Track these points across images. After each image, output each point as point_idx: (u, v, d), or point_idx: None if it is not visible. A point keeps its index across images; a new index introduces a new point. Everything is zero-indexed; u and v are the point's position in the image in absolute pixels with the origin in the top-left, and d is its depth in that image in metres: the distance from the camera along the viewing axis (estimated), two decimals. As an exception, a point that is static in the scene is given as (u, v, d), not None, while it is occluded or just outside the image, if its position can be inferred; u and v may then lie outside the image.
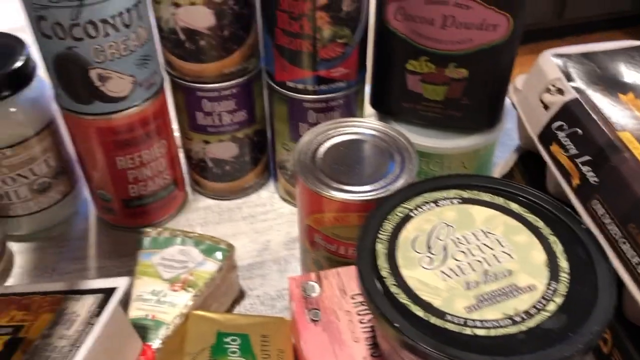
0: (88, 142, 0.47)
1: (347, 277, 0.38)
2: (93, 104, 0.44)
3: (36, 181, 0.49)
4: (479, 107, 0.48)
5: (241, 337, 0.38)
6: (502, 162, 0.53)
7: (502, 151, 0.57)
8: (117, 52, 0.42)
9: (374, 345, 0.34)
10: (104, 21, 0.40)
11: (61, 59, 0.41)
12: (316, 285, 0.38)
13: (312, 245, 0.43)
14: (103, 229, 0.55)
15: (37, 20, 0.40)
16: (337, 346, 0.34)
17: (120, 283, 0.37)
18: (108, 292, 0.37)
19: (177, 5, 0.43)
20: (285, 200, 0.57)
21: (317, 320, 0.36)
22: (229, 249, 0.46)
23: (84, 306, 0.37)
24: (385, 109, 0.52)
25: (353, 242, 0.41)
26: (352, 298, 0.37)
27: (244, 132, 0.52)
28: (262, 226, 0.55)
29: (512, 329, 0.27)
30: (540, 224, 0.33)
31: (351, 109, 0.49)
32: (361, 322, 0.36)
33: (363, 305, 0.37)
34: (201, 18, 0.44)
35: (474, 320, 0.28)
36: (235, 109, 0.50)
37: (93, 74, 0.42)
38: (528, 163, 0.49)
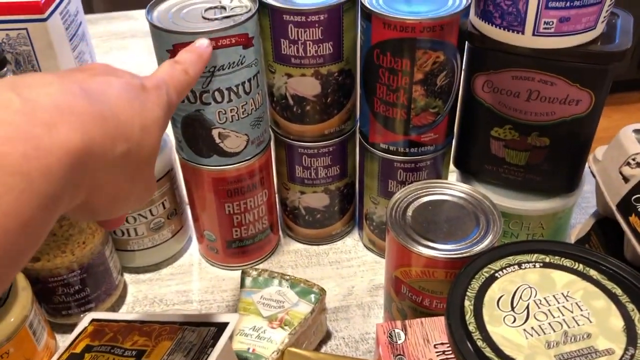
0: (202, 189, 0.53)
1: (431, 327, 0.42)
2: (211, 157, 0.50)
3: (153, 220, 0.56)
4: (559, 172, 0.51)
5: (332, 375, 0.42)
6: (579, 225, 0.55)
7: (579, 213, 0.59)
8: (236, 115, 0.48)
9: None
10: (229, 89, 0.46)
11: (189, 119, 0.48)
12: (402, 333, 0.41)
13: (398, 295, 0.46)
14: (205, 266, 0.60)
15: (172, 86, 0.46)
16: (423, 390, 0.37)
17: (231, 318, 0.42)
18: (221, 326, 0.42)
19: (289, 75, 0.49)
20: (368, 248, 0.61)
21: (402, 365, 0.39)
22: (321, 293, 0.50)
23: (199, 337, 0.42)
24: (468, 170, 0.55)
25: (437, 295, 0.44)
26: (435, 347, 0.40)
27: (335, 185, 0.57)
28: (347, 272, 0.59)
29: (591, 388, 0.30)
30: (618, 291, 0.35)
31: (437, 169, 0.53)
32: (443, 370, 0.39)
33: (445, 354, 0.40)
34: (309, 87, 0.49)
35: (554, 377, 0.31)
36: (330, 164, 0.55)
37: (215, 132, 0.48)
38: (605, 228, 0.51)
